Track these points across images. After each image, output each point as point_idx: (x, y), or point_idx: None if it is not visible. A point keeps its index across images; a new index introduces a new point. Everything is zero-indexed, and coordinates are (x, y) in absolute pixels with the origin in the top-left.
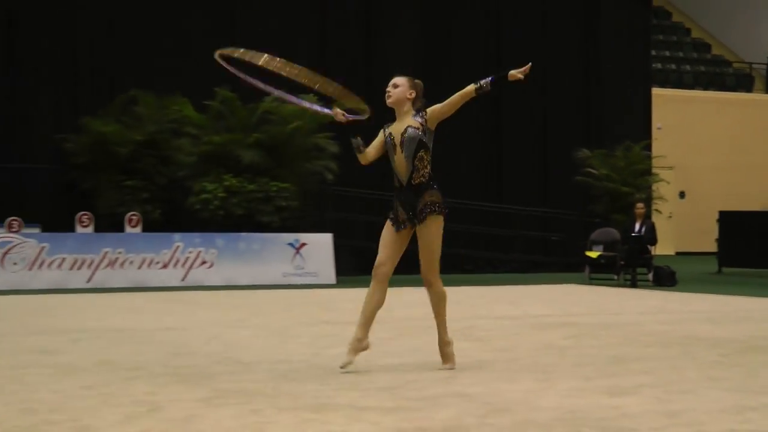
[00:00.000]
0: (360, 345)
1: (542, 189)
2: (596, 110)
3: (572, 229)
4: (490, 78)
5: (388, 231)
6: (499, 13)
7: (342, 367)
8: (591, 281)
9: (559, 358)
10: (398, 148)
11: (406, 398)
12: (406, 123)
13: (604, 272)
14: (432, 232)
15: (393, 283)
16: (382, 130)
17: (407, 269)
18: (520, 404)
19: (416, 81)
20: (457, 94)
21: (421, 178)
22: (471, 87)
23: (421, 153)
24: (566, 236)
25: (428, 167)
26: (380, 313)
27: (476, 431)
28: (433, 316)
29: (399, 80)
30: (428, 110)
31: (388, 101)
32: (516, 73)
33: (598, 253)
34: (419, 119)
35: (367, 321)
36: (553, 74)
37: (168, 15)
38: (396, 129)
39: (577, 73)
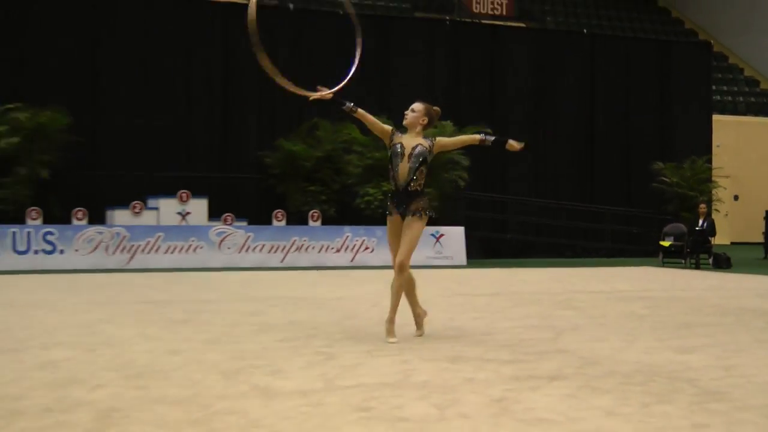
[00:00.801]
0: (420, 319)
1: (626, 193)
2: (668, 131)
3: (649, 224)
4: (493, 138)
5: (390, 233)
6: (593, 55)
7: (391, 341)
8: (664, 265)
9: (639, 324)
10: (405, 158)
11: (520, 353)
12: (417, 141)
13: (674, 258)
14: (415, 228)
15: (522, 264)
16: (391, 129)
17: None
18: (608, 358)
19: (434, 108)
20: (465, 136)
21: (417, 187)
22: (477, 137)
23: (423, 168)
24: (645, 230)
25: (425, 179)
26: (499, 286)
27: (573, 378)
28: (393, 295)
29: (416, 106)
30: (437, 139)
31: (404, 122)
32: (514, 144)
33: (669, 243)
34: (428, 142)
35: (413, 301)
36: (635, 102)
37: (337, 58)
38: (407, 142)
39: (654, 102)
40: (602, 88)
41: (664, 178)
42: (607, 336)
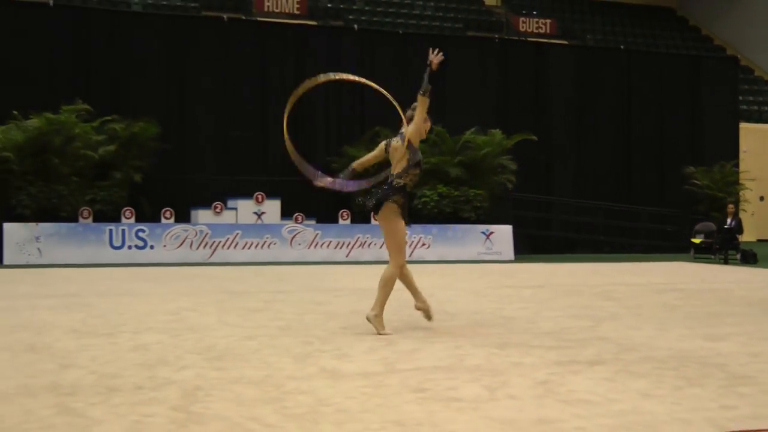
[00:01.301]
0: (425, 308)
1: (660, 194)
2: (699, 138)
3: (681, 222)
4: (425, 80)
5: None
6: (630, 69)
7: (385, 332)
8: (695, 260)
9: (672, 313)
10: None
11: (563, 340)
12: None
13: (704, 254)
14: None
15: (565, 259)
16: (384, 144)
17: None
18: (644, 345)
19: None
20: (419, 109)
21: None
22: (420, 96)
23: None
24: (677, 228)
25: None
26: (543, 279)
27: (612, 363)
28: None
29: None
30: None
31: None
32: (434, 60)
33: (700, 240)
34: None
35: (414, 292)
36: (668, 112)
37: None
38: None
39: (685, 112)
40: (638, 99)
41: (695, 181)
42: (643, 325)
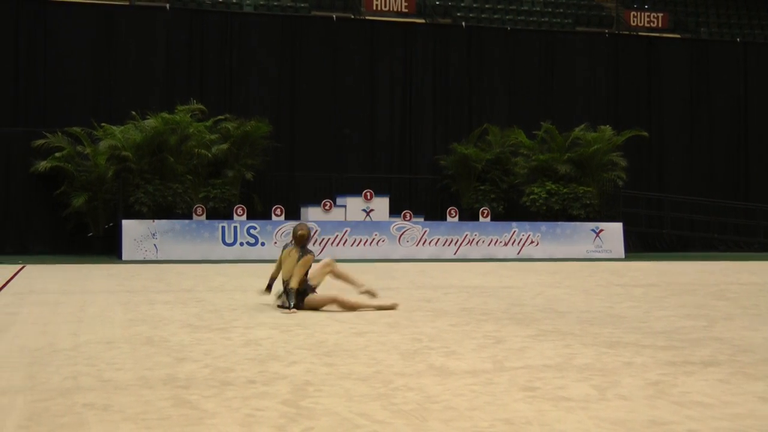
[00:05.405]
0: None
1: None
2: None
3: None
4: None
5: None
6: (746, 62)
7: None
8: None
9: None
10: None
11: (675, 340)
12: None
13: None
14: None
15: (677, 258)
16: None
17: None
18: (761, 347)
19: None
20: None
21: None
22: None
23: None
24: None
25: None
26: (655, 278)
27: (727, 365)
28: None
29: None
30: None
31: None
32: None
33: None
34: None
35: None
36: None
37: (507, 73)
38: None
39: None
40: (755, 93)
41: None
42: (760, 325)
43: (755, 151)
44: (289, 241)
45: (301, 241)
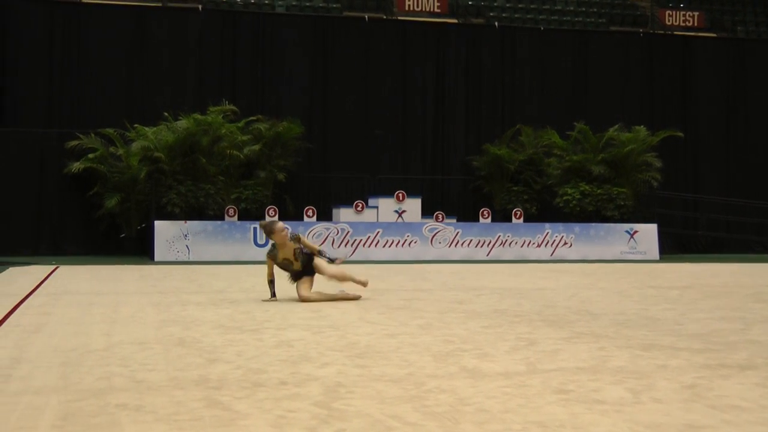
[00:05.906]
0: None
1: None
2: None
3: None
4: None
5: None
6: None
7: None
8: None
9: None
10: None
11: (711, 342)
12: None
13: None
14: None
15: (713, 259)
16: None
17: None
18: None
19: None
20: (311, 244)
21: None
22: (318, 251)
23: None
24: None
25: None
26: (690, 280)
27: (765, 368)
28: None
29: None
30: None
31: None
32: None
33: None
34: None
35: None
36: None
37: (538, 72)
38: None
39: None
40: None
41: None
42: None
43: None
44: (271, 245)
45: (274, 235)
